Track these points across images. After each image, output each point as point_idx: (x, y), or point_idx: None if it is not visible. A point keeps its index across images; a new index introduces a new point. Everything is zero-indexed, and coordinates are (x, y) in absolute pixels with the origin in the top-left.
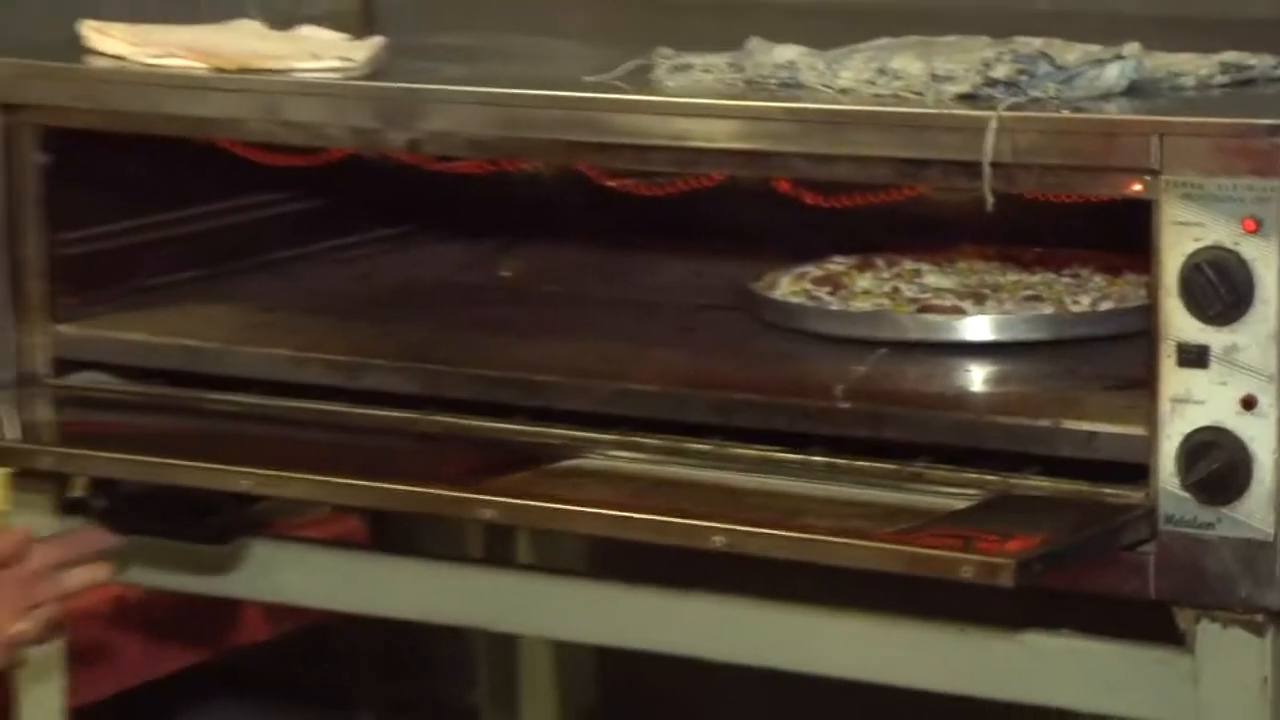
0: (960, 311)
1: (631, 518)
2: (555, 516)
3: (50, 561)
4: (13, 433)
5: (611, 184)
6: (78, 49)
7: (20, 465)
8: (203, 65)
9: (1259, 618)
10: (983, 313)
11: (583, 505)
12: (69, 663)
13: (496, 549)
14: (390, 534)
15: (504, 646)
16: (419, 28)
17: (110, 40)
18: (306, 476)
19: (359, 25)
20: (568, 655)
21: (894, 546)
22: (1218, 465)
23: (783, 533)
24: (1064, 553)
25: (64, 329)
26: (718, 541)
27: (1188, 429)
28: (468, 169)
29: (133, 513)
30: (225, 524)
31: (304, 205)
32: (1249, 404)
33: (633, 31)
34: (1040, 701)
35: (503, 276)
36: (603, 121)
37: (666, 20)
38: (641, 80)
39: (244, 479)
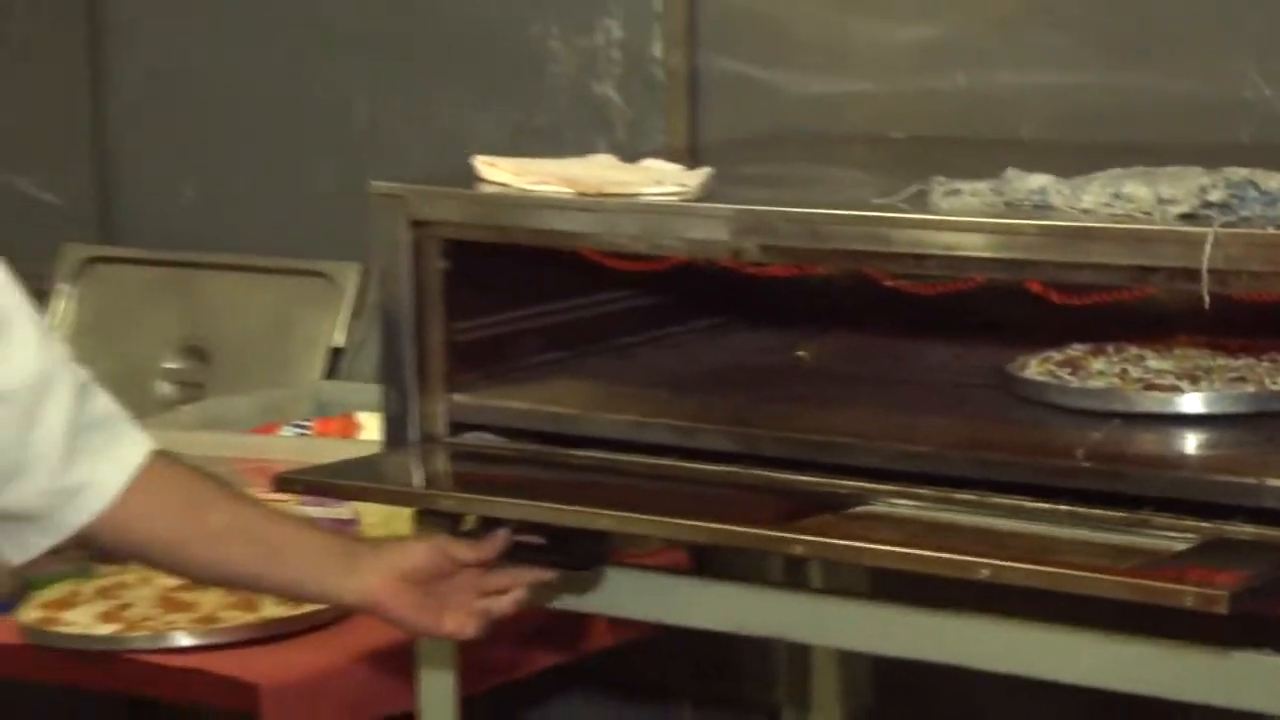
0: (1178, 389)
1: (916, 554)
2: (853, 553)
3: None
4: (418, 481)
5: (891, 284)
6: (471, 177)
7: (424, 506)
8: (569, 190)
9: None
10: (1197, 390)
11: (874, 544)
12: (460, 658)
13: (794, 575)
14: (708, 562)
15: (800, 654)
16: (736, 160)
17: (497, 170)
18: (652, 518)
19: (690, 158)
20: (853, 662)
21: (1130, 579)
22: None
23: (1037, 566)
24: (1270, 586)
25: (458, 398)
26: (984, 573)
27: None
28: (775, 272)
29: (515, 546)
30: (586, 554)
31: (645, 301)
32: None
33: (909, 163)
34: (1245, 707)
35: (801, 359)
36: (888, 235)
37: (938, 154)
38: (920, 202)
39: (603, 519)
